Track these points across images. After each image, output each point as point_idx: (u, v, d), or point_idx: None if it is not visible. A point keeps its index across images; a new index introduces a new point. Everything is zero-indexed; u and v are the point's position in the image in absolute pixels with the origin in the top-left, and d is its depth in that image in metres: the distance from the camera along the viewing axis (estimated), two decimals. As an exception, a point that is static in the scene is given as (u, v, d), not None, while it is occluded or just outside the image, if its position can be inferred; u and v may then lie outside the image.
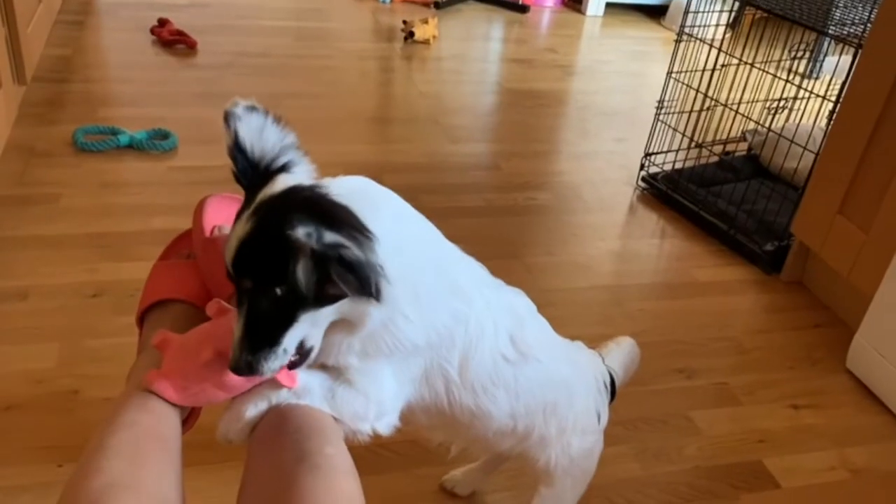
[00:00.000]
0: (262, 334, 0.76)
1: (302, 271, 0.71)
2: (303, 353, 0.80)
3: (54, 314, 1.75)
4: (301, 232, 0.69)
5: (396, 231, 0.80)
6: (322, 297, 0.75)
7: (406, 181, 2.49)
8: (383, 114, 3.10)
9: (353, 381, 0.85)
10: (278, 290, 0.73)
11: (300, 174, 0.81)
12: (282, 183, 0.78)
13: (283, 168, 0.80)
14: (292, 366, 0.80)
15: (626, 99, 3.42)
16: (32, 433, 1.46)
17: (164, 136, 2.51)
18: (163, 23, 3.38)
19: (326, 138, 2.72)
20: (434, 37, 3.79)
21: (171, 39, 3.30)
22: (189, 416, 0.92)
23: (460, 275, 0.92)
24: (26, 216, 2.08)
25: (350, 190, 0.78)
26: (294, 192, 0.76)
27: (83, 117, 2.60)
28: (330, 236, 0.70)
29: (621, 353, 1.31)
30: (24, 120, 2.53)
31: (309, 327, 0.78)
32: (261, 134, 0.80)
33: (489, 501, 1.46)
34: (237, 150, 0.79)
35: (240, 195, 1.00)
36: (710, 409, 1.74)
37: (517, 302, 1.02)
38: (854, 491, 1.58)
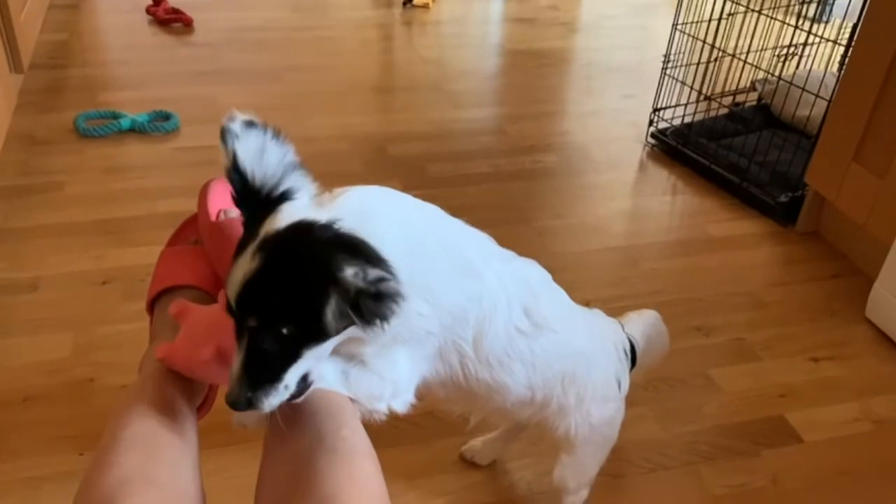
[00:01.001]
0: (263, 371, 0.73)
1: (332, 312, 0.68)
2: (304, 386, 0.78)
3: (65, 303, 1.75)
4: (349, 273, 0.67)
5: (405, 237, 0.78)
6: (335, 332, 0.72)
7: (411, 151, 2.45)
8: (385, 83, 3.06)
9: (367, 362, 0.84)
10: (285, 330, 0.71)
11: (301, 200, 0.77)
12: (286, 215, 0.74)
13: (285, 195, 0.77)
14: (292, 398, 0.77)
15: (631, 54, 3.35)
16: (51, 423, 1.47)
17: (166, 117, 2.49)
18: (157, 2, 3.33)
19: (329, 111, 2.68)
20: (433, 0, 3.72)
21: (167, 18, 3.25)
22: (205, 401, 0.91)
23: (470, 252, 0.90)
24: (31, 206, 2.07)
25: (353, 214, 0.74)
26: (308, 230, 0.72)
27: (83, 103, 2.57)
28: (373, 273, 0.68)
29: (643, 321, 1.30)
30: (24, 108, 2.51)
31: (313, 362, 0.76)
32: (261, 156, 0.76)
33: (509, 469, 1.46)
34: (236, 172, 0.76)
35: None
36: (729, 367, 1.72)
37: (530, 273, 1.01)
38: (877, 442, 1.56)
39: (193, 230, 1.07)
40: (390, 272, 0.70)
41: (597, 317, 1.21)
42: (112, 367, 1.58)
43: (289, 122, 2.81)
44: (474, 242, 0.93)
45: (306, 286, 0.69)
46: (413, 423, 1.50)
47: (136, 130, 2.43)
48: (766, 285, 1.98)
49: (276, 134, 0.78)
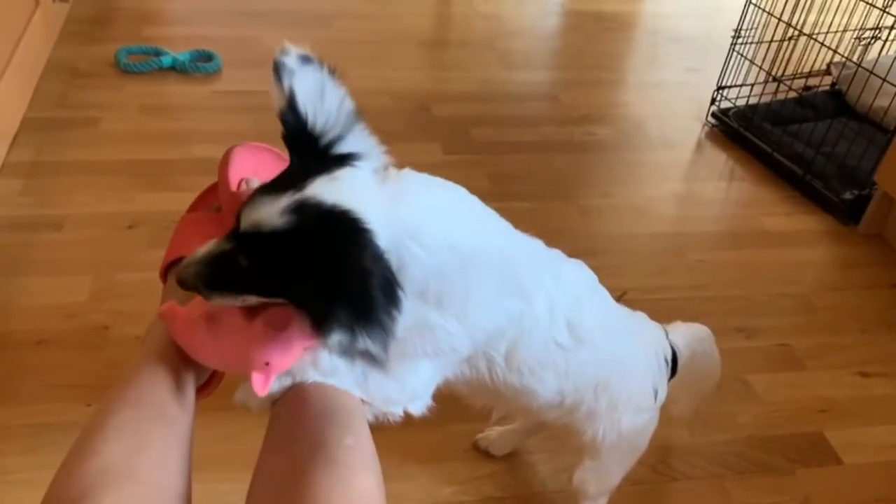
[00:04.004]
0: (226, 278, 0.68)
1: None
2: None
3: (88, 246, 1.72)
4: (335, 340, 0.62)
5: (450, 255, 0.72)
6: None
7: (456, 112, 2.35)
8: (437, 36, 2.95)
9: (388, 366, 0.78)
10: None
11: (363, 173, 0.69)
12: (342, 187, 0.66)
13: (348, 158, 0.68)
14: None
15: (701, 24, 3.17)
16: (62, 370, 1.45)
17: (209, 57, 2.42)
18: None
19: (375, 62, 2.59)
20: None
21: (221, -48, 3.17)
22: (209, 381, 0.86)
23: (522, 269, 0.82)
24: (65, 140, 2.03)
25: (408, 220, 0.68)
26: (349, 234, 0.64)
27: (128, 36, 2.52)
28: (361, 343, 0.63)
29: (690, 333, 1.21)
30: (69, 38, 2.48)
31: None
32: (321, 98, 0.67)
33: (524, 463, 1.40)
34: (293, 113, 0.67)
35: (269, 145, 0.89)
36: (770, 373, 1.62)
37: (577, 280, 0.94)
38: (924, 471, 1.46)
39: (216, 196, 1.02)
40: (388, 330, 0.64)
41: (640, 320, 1.13)
42: (128, 316, 1.55)
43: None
44: (528, 256, 0.86)
45: (306, 297, 0.63)
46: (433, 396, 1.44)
47: (176, 69, 2.37)
48: (819, 288, 1.86)
49: (333, 74, 0.69)
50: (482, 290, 0.77)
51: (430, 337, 0.76)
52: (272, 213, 0.64)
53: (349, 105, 0.69)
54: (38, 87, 2.21)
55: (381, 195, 0.68)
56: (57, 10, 2.44)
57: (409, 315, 0.70)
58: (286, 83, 0.66)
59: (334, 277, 0.62)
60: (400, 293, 0.64)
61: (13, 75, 1.99)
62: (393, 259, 0.66)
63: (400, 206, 0.68)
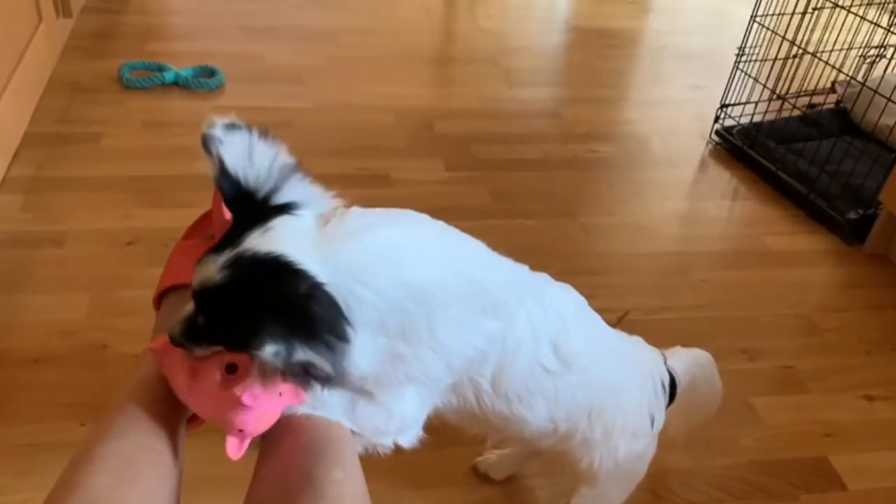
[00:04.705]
0: (191, 335, 0.71)
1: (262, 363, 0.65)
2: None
3: (87, 262, 1.71)
4: (269, 351, 0.62)
5: (407, 286, 0.71)
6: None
7: (458, 128, 2.34)
8: (440, 53, 2.95)
9: (374, 395, 0.78)
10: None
11: (304, 219, 0.70)
12: (276, 234, 0.68)
13: (287, 207, 0.70)
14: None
15: (705, 41, 3.16)
16: (58, 388, 1.43)
17: (211, 73, 2.42)
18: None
19: (378, 79, 2.59)
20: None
21: (226, -32, 3.18)
22: None
23: (496, 289, 0.81)
24: (67, 156, 2.03)
25: (352, 259, 0.68)
26: (277, 274, 0.66)
27: (131, 52, 2.53)
28: (300, 354, 0.63)
29: (690, 358, 1.19)
30: (72, 53, 2.48)
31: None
32: (249, 158, 0.70)
33: (524, 488, 1.38)
34: (225, 178, 0.69)
35: None
36: (774, 396, 1.60)
37: (563, 302, 0.92)
38: (930, 498, 1.43)
39: (211, 223, 1.01)
40: (337, 349, 0.64)
41: (636, 345, 1.11)
42: (126, 334, 1.54)
43: (335, 88, 2.70)
44: (503, 277, 0.84)
45: (242, 341, 0.64)
46: (425, 427, 1.42)
47: (179, 85, 2.37)
48: (824, 309, 1.84)
49: (264, 134, 0.71)
50: (448, 315, 0.75)
51: (402, 366, 0.75)
52: (212, 270, 0.67)
53: (284, 160, 0.71)
54: (40, 103, 2.21)
55: (321, 239, 0.69)
56: (60, 25, 2.45)
57: (374, 348, 0.71)
58: (214, 152, 0.69)
59: (269, 308, 0.64)
60: (344, 324, 0.65)
61: (15, 90, 2.00)
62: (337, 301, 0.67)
63: (341, 249, 0.69)
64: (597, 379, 0.96)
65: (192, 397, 0.72)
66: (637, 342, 1.11)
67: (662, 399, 1.10)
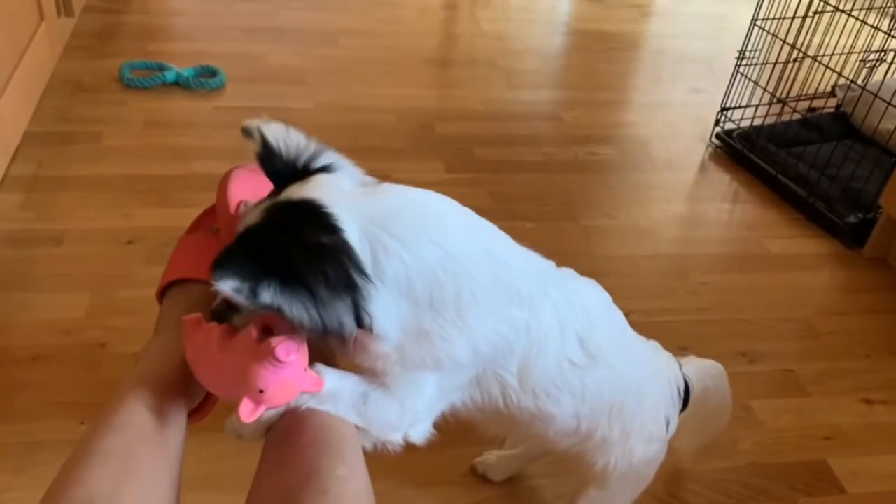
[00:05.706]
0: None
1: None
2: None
3: (87, 261, 1.71)
4: (229, 285, 0.65)
5: (437, 252, 0.73)
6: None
7: (459, 130, 2.35)
8: (441, 55, 2.95)
9: (390, 385, 0.77)
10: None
11: (341, 177, 0.75)
12: (314, 186, 0.72)
13: (325, 169, 0.75)
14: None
15: (705, 45, 3.17)
16: (57, 387, 1.43)
17: (212, 73, 2.42)
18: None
19: (379, 80, 2.59)
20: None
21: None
22: (202, 405, 0.84)
23: (520, 278, 0.81)
24: (67, 155, 2.03)
25: (388, 210, 0.72)
26: (294, 211, 0.70)
27: (132, 51, 2.53)
28: (265, 297, 0.66)
29: (704, 368, 1.19)
30: (73, 52, 2.48)
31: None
32: (288, 134, 0.75)
33: (523, 489, 1.37)
34: (266, 149, 0.74)
35: None
36: (773, 399, 1.59)
37: (588, 297, 0.92)
38: (929, 502, 1.43)
39: (215, 218, 1.01)
40: (357, 296, 0.68)
41: (654, 349, 1.11)
42: (125, 333, 1.54)
43: (336, 89, 2.70)
44: (527, 267, 0.84)
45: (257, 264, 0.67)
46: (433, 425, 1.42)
47: (180, 85, 2.37)
48: (823, 313, 1.84)
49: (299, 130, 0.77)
50: (476, 292, 0.75)
51: (427, 345, 0.74)
52: (254, 214, 0.71)
53: (314, 144, 0.77)
54: (41, 102, 2.21)
55: (356, 192, 0.73)
56: (62, 24, 2.45)
57: (398, 310, 0.71)
58: (256, 132, 0.74)
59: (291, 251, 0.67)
60: (357, 276, 0.67)
61: (16, 89, 1.99)
62: (365, 252, 0.69)
63: (373, 201, 0.72)
64: (622, 375, 0.95)
65: (220, 355, 0.71)
66: (654, 346, 1.11)
67: (677, 403, 1.10)
